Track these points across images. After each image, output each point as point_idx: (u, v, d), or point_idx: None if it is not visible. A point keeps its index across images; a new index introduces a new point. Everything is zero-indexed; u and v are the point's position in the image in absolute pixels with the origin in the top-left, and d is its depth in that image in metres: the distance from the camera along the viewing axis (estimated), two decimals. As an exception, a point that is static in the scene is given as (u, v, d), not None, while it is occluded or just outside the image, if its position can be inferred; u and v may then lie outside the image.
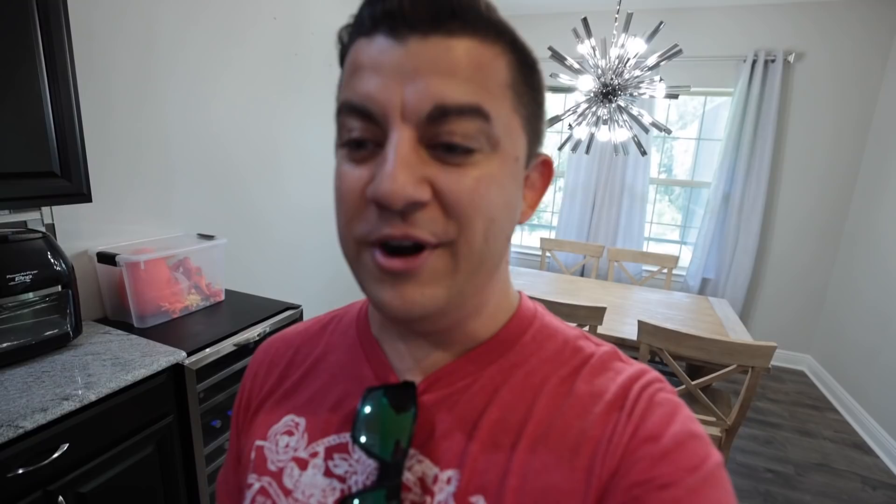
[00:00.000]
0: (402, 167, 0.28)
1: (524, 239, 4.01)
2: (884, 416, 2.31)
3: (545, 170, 0.38)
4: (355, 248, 0.32)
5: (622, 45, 1.93)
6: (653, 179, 3.47)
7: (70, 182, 1.15)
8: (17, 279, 1.07)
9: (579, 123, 2.20)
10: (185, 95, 1.73)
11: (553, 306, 1.69)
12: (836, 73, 2.86)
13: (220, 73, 1.87)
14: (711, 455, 0.31)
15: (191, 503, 1.37)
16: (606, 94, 1.99)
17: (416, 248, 0.30)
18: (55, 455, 0.95)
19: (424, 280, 0.30)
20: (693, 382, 1.57)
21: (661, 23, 1.83)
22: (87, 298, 1.45)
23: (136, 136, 1.58)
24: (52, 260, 1.15)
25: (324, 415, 0.39)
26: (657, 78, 1.98)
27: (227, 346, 1.40)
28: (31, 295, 1.12)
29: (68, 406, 0.97)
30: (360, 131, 0.30)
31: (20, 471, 0.90)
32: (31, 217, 1.29)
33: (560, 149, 2.42)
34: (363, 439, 0.34)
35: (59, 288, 1.16)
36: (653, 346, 1.60)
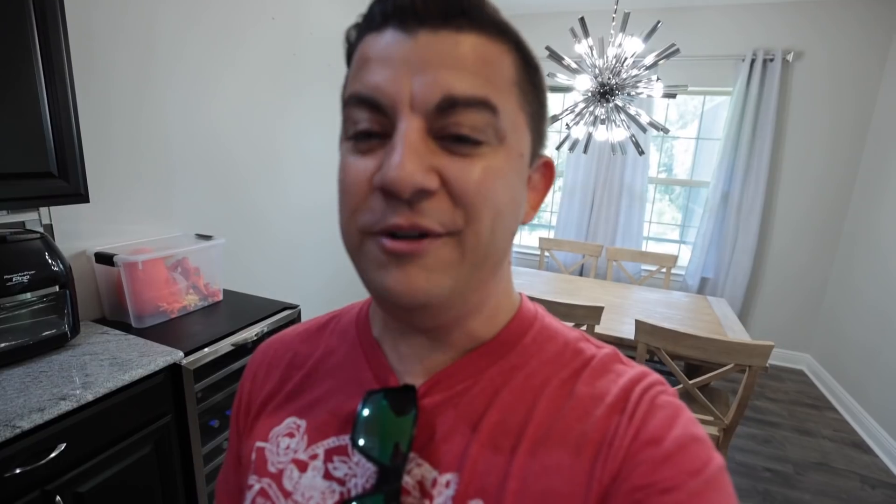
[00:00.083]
0: (410, 154, 0.28)
1: (523, 238, 4.01)
2: (883, 416, 2.31)
3: (546, 171, 0.38)
4: (358, 238, 0.31)
5: (619, 45, 1.93)
6: (651, 179, 3.47)
7: (67, 182, 1.15)
8: (14, 279, 1.07)
9: (577, 123, 2.20)
10: (183, 95, 1.73)
11: (551, 306, 1.70)
12: (834, 72, 2.86)
13: (220, 74, 1.87)
14: (713, 458, 0.30)
15: (189, 502, 1.37)
16: (604, 93, 1.99)
17: (423, 236, 0.29)
18: (53, 455, 0.96)
19: (430, 266, 0.30)
20: (690, 382, 1.57)
21: (658, 22, 1.83)
22: (85, 299, 1.46)
23: (134, 136, 1.58)
24: (49, 260, 1.15)
25: (324, 417, 0.39)
26: (654, 77, 1.98)
27: (224, 345, 1.41)
28: (28, 295, 1.12)
29: (65, 406, 0.97)
30: (368, 122, 0.30)
31: (17, 470, 0.90)
32: (29, 217, 1.30)
33: (558, 148, 2.42)
34: (362, 442, 0.34)
35: (57, 288, 1.17)
36: (650, 345, 1.60)
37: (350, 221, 0.31)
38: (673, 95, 1.95)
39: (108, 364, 1.16)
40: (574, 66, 2.02)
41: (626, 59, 1.94)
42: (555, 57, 1.96)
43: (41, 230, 1.27)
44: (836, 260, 3.03)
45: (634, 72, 1.99)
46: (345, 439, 0.37)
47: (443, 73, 0.28)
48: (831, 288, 3.05)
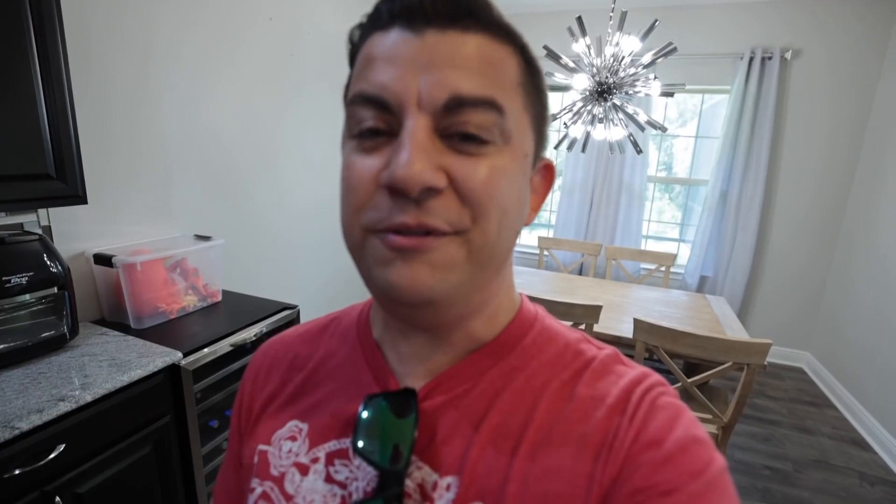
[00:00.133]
0: (419, 152, 0.28)
1: (522, 238, 4.01)
2: (882, 413, 2.31)
3: (547, 174, 0.39)
4: (362, 236, 0.31)
5: (617, 44, 1.93)
6: (650, 177, 3.47)
7: (65, 184, 1.15)
8: (13, 281, 1.08)
9: (575, 122, 2.20)
10: (182, 96, 1.74)
11: (550, 305, 1.70)
12: (832, 69, 2.86)
13: (218, 74, 1.88)
14: (715, 460, 0.30)
15: (188, 503, 1.38)
16: (601, 92, 2.00)
17: (428, 233, 0.29)
18: (52, 455, 0.96)
19: (435, 262, 0.29)
20: (689, 380, 1.58)
21: (655, 21, 1.83)
22: (84, 300, 1.46)
23: (132, 137, 1.58)
24: (48, 262, 1.15)
25: (325, 420, 0.39)
26: (651, 76, 1.98)
27: (223, 346, 1.41)
28: (27, 297, 1.12)
29: (64, 407, 0.98)
30: (373, 121, 0.30)
31: (17, 471, 0.91)
32: (27, 219, 1.30)
33: (556, 147, 2.42)
34: (362, 445, 0.34)
35: (56, 290, 1.17)
36: (648, 343, 1.60)
37: (353, 219, 0.31)
38: (671, 94, 1.95)
39: (107, 365, 1.16)
40: (572, 65, 2.02)
41: (623, 57, 1.94)
42: (552, 56, 1.96)
43: (39, 232, 1.27)
44: (835, 258, 3.03)
45: (632, 70, 1.99)
46: (346, 442, 0.37)
47: (450, 73, 0.28)
48: (830, 286, 3.05)
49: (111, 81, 1.49)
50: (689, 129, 3.54)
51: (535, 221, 3.96)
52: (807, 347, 3.22)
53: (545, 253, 3.15)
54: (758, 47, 2.90)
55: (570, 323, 1.69)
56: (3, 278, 1.06)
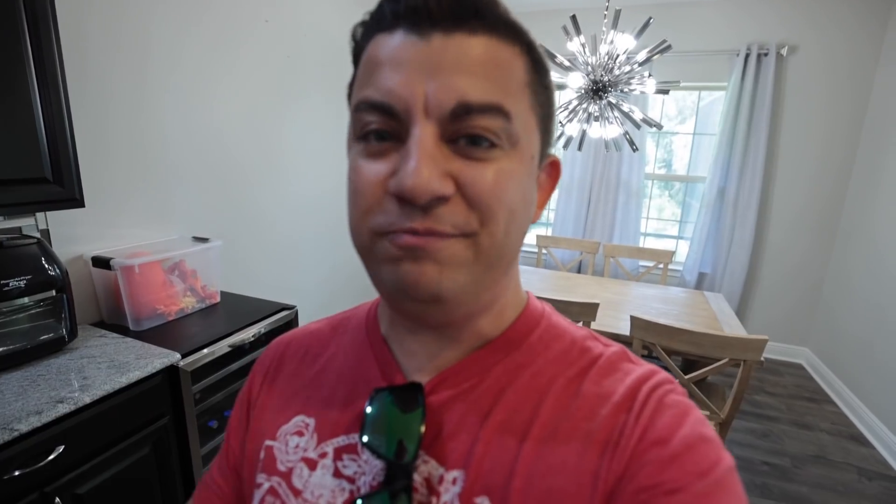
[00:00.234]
0: (426, 161, 0.28)
1: (521, 236, 4.01)
2: (880, 409, 2.31)
3: (552, 171, 0.39)
4: (370, 238, 0.31)
5: (611, 42, 1.94)
6: (648, 175, 3.47)
7: (62, 188, 1.16)
8: (11, 284, 1.08)
9: (570, 120, 2.20)
10: (179, 99, 1.74)
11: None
12: (829, 65, 2.86)
13: (215, 77, 1.88)
14: (723, 459, 0.30)
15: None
16: (597, 90, 2.00)
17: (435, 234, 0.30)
18: (51, 457, 0.97)
19: (443, 261, 0.30)
20: (686, 377, 1.58)
21: (649, 18, 1.83)
22: (83, 302, 1.47)
23: (130, 140, 1.59)
24: (46, 265, 1.16)
25: (333, 415, 0.39)
26: (646, 74, 1.99)
27: (222, 347, 1.42)
28: (26, 300, 1.13)
29: (63, 409, 0.98)
30: (380, 125, 0.30)
31: (16, 472, 0.92)
32: (25, 223, 1.31)
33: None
34: (368, 440, 0.34)
35: (54, 292, 1.18)
36: (645, 340, 1.61)
37: (362, 222, 0.31)
38: (666, 91, 1.95)
39: (105, 367, 1.17)
40: (567, 63, 2.02)
41: (618, 55, 1.95)
42: (547, 55, 1.96)
43: (38, 235, 1.28)
44: (833, 253, 3.03)
45: (627, 68, 1.99)
46: (354, 437, 0.37)
47: (457, 79, 0.28)
48: (829, 281, 3.05)
49: (108, 85, 1.50)
50: (689, 125, 3.54)
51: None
52: (805, 343, 3.22)
53: (543, 251, 3.16)
54: (753, 44, 2.90)
55: (567, 321, 1.69)
56: (2, 282, 1.07)
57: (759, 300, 3.27)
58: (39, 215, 1.34)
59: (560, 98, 3.44)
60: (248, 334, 1.51)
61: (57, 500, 0.98)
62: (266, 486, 0.39)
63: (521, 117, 0.31)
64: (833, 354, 2.88)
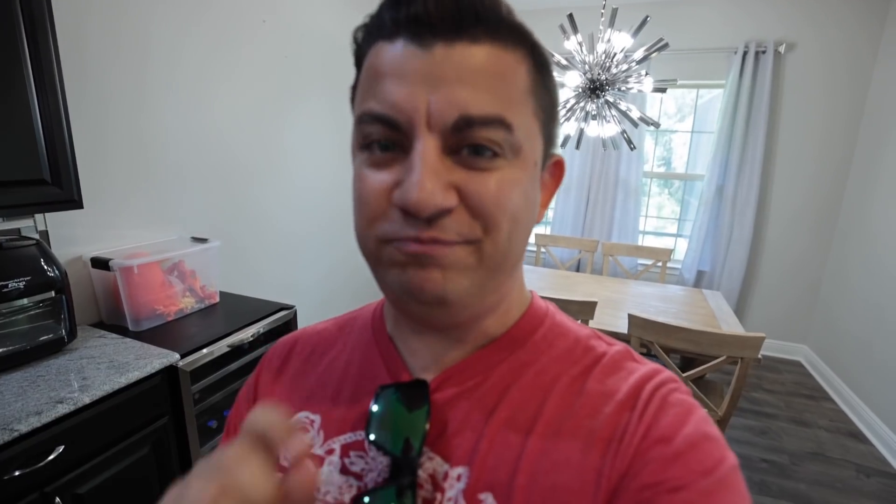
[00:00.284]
0: (429, 175, 0.28)
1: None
2: (879, 405, 2.32)
3: (556, 170, 0.39)
4: (376, 245, 0.32)
5: (608, 40, 1.94)
6: (646, 173, 3.47)
7: (61, 189, 1.16)
8: (10, 286, 1.09)
9: (567, 119, 2.21)
10: (177, 100, 1.75)
11: (544, 302, 1.71)
12: (827, 63, 2.86)
13: (212, 77, 1.88)
14: (726, 458, 0.30)
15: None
16: (594, 89, 2.00)
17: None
18: (51, 457, 0.97)
19: (448, 266, 0.30)
20: (684, 374, 1.59)
21: (646, 17, 1.84)
22: (83, 303, 1.47)
23: (128, 141, 1.59)
24: (45, 266, 1.16)
25: (339, 412, 0.40)
26: (643, 72, 1.99)
27: (221, 347, 1.42)
28: (25, 301, 1.14)
29: (63, 409, 0.99)
30: (383, 136, 0.30)
31: (17, 473, 0.92)
32: (24, 224, 1.31)
33: (551, 145, 2.43)
34: (374, 436, 0.35)
35: (53, 294, 1.18)
36: (643, 339, 1.61)
37: (368, 230, 0.32)
38: (663, 90, 1.95)
39: (105, 367, 1.17)
40: (564, 62, 2.02)
41: (615, 54, 1.95)
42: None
43: (37, 236, 1.29)
44: (831, 251, 3.04)
45: (624, 67, 1.99)
46: (361, 434, 0.37)
47: (459, 91, 0.28)
48: (827, 279, 3.06)
49: (107, 86, 1.50)
50: (688, 123, 3.54)
51: (533, 219, 3.98)
52: (804, 341, 3.23)
53: (542, 250, 3.16)
54: (751, 41, 2.90)
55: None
56: (1, 283, 1.07)
57: (757, 298, 3.28)
58: (38, 217, 1.34)
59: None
60: (247, 334, 1.51)
61: (57, 499, 0.99)
62: None
63: (523, 127, 0.31)
64: (832, 352, 2.89)
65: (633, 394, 0.34)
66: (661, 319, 1.57)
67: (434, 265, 0.30)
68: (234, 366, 1.49)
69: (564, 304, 1.71)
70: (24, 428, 0.92)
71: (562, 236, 3.16)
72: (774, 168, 3.08)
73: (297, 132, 2.43)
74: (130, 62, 1.57)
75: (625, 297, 2.33)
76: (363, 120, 0.31)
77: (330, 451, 0.38)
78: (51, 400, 1.00)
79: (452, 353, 0.37)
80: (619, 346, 0.38)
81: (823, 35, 2.84)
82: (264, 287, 2.27)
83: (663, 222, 3.74)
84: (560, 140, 2.33)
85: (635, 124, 2.14)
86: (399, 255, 0.31)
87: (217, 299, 1.75)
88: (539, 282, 2.56)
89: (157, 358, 1.23)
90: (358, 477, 0.36)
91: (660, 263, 2.83)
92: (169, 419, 1.28)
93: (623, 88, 2.03)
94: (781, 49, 2.88)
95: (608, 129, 2.19)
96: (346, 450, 0.38)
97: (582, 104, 2.14)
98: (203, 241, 1.73)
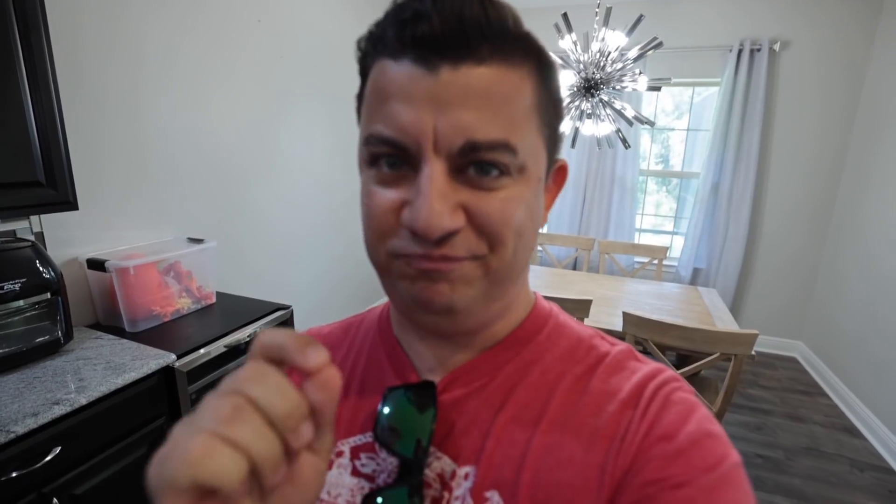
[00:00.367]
0: (437, 200, 0.29)
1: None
2: (873, 400, 2.34)
3: (559, 175, 0.40)
4: (387, 259, 0.33)
5: (603, 39, 1.95)
6: (642, 171, 3.49)
7: (55, 191, 1.17)
8: (6, 287, 1.09)
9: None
10: (173, 101, 1.75)
11: (540, 300, 1.72)
12: (821, 60, 2.87)
13: (208, 78, 1.88)
14: (729, 455, 0.30)
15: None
16: (588, 87, 2.01)
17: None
18: (48, 458, 0.98)
19: (455, 280, 0.31)
20: (679, 371, 1.60)
21: (640, 16, 1.84)
22: (79, 304, 1.47)
23: (124, 142, 1.59)
24: (40, 268, 1.17)
25: (347, 414, 0.40)
26: (637, 71, 2.00)
27: (218, 347, 1.43)
28: (21, 303, 1.14)
29: (59, 410, 0.99)
30: (391, 156, 0.31)
31: (14, 474, 0.93)
32: (20, 226, 1.31)
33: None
34: (384, 437, 0.35)
35: (49, 295, 1.18)
36: (638, 336, 1.62)
37: (378, 244, 0.33)
38: (657, 88, 1.96)
39: (101, 368, 1.18)
40: (559, 61, 2.03)
41: (609, 53, 1.96)
42: (540, 53, 1.97)
43: (32, 238, 1.29)
44: (826, 248, 3.06)
45: (619, 65, 2.00)
46: (370, 436, 0.38)
47: (465, 116, 0.29)
48: (822, 275, 3.08)
49: (103, 87, 1.50)
50: (686, 121, 3.55)
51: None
52: (799, 337, 3.25)
53: (539, 248, 3.17)
54: (746, 39, 2.91)
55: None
56: (-3, 285, 1.08)
57: (753, 294, 3.29)
58: (34, 218, 1.34)
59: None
60: (243, 334, 1.52)
61: (55, 500, 0.99)
62: None
63: (528, 147, 0.31)
64: (827, 348, 2.91)
65: (635, 392, 0.34)
66: (655, 317, 1.58)
67: (443, 280, 0.31)
68: (230, 366, 1.49)
69: (560, 303, 1.71)
70: (20, 429, 0.92)
71: (558, 234, 3.17)
72: (769, 165, 3.09)
73: (292, 132, 2.43)
74: (126, 63, 1.57)
75: (621, 295, 2.34)
76: (370, 141, 0.31)
77: (339, 454, 0.39)
78: (47, 401, 1.01)
79: (458, 356, 0.38)
80: (622, 345, 0.39)
81: (818, 33, 2.85)
82: (261, 287, 2.27)
83: (661, 220, 3.75)
84: (555, 139, 2.34)
85: (630, 123, 2.14)
86: (409, 269, 0.32)
87: (213, 300, 1.75)
88: (535, 280, 2.57)
89: (153, 359, 1.24)
90: (370, 479, 0.37)
91: (656, 261, 2.84)
92: (166, 419, 1.28)
93: (618, 87, 2.04)
94: (776, 47, 2.89)
95: (603, 127, 2.19)
96: (356, 452, 0.38)
97: (577, 103, 2.14)
98: (199, 241, 1.73)
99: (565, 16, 1.91)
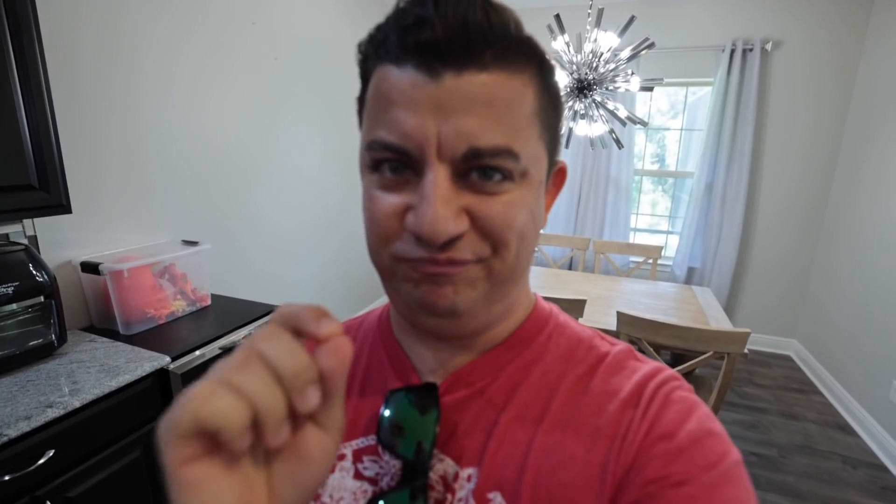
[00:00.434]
0: (442, 205, 0.29)
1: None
2: (866, 398, 2.35)
3: (558, 177, 0.40)
4: (390, 262, 0.33)
5: (595, 40, 1.96)
6: (637, 171, 3.50)
7: (48, 194, 1.16)
8: (-1, 291, 1.09)
9: (558, 119, 2.22)
10: (167, 104, 1.74)
11: (534, 300, 1.72)
12: (813, 59, 2.89)
13: (203, 79, 1.88)
14: (730, 453, 0.31)
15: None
16: (581, 88, 2.02)
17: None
18: (41, 461, 0.98)
19: (459, 282, 0.32)
20: (672, 370, 1.61)
21: (632, 17, 1.85)
22: (73, 307, 1.47)
23: (118, 145, 1.59)
24: (33, 271, 1.16)
25: (349, 417, 0.39)
26: (629, 71, 2.01)
27: (213, 349, 1.43)
28: (14, 306, 1.14)
29: (52, 413, 0.99)
30: (393, 161, 0.31)
31: (7, 477, 0.92)
32: (13, 229, 1.31)
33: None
34: (387, 440, 0.35)
35: (42, 298, 1.18)
36: (632, 335, 1.63)
37: (381, 248, 0.33)
38: (650, 88, 1.97)
39: (95, 371, 1.18)
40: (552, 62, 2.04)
41: (602, 53, 1.97)
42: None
43: (25, 242, 1.28)
44: (819, 247, 3.08)
45: (612, 66, 2.01)
46: (373, 439, 0.38)
47: (468, 122, 0.29)
48: (815, 274, 3.09)
49: (96, 90, 1.50)
50: (681, 120, 3.57)
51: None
52: (794, 336, 3.26)
53: (535, 248, 3.18)
54: (738, 39, 2.93)
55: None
56: (-11, 288, 1.08)
57: (747, 293, 3.31)
58: (27, 222, 1.34)
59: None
60: (238, 336, 1.52)
61: (48, 503, 0.99)
62: None
63: (529, 153, 0.32)
64: (821, 346, 2.92)
65: (636, 392, 0.35)
66: (649, 316, 1.59)
67: (448, 283, 0.32)
68: (225, 368, 1.49)
69: (555, 303, 1.73)
70: (13, 433, 0.92)
71: (553, 234, 3.18)
72: (763, 165, 3.11)
73: (287, 133, 2.44)
74: (120, 65, 1.57)
75: (616, 295, 2.35)
76: (373, 147, 0.31)
77: (341, 457, 0.38)
78: (40, 404, 1.00)
79: (459, 357, 0.38)
80: (622, 345, 0.40)
81: (809, 33, 2.87)
82: (256, 288, 2.27)
83: (658, 219, 3.77)
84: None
85: (623, 123, 2.15)
86: (414, 273, 0.32)
87: (209, 302, 1.75)
88: (531, 280, 2.54)
89: (147, 361, 1.24)
90: (372, 482, 0.37)
91: (651, 260, 2.85)
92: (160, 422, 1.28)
93: (611, 88, 2.05)
94: (768, 47, 2.91)
95: (596, 128, 2.21)
96: (358, 455, 0.38)
97: (570, 103, 2.15)
98: (194, 244, 1.73)
99: (558, 17, 1.92)
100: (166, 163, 1.78)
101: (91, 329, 1.48)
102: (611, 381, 0.36)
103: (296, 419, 0.24)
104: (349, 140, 2.92)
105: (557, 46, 2.02)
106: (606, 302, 2.23)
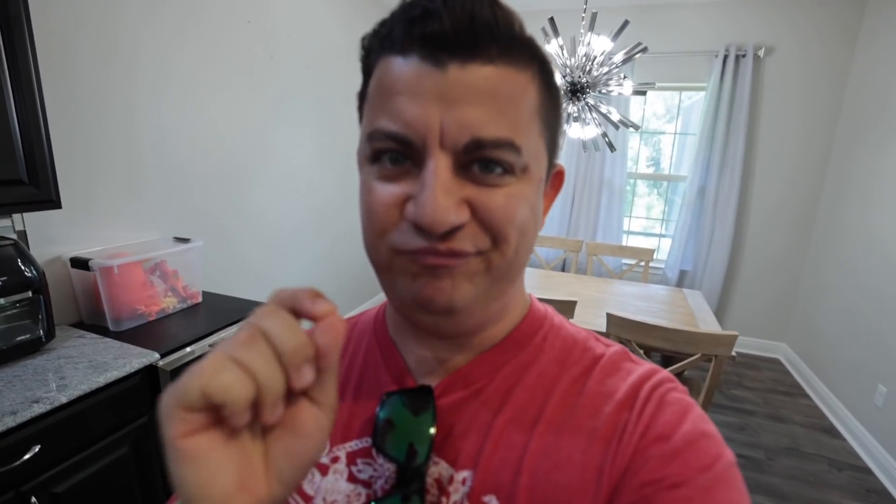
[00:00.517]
0: (442, 194, 0.29)
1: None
2: (851, 401, 2.38)
3: (556, 180, 0.40)
4: (388, 255, 0.32)
5: (589, 44, 1.97)
6: (631, 174, 3.52)
7: (38, 189, 1.16)
8: (-14, 286, 1.09)
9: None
10: (159, 99, 1.74)
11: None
12: (804, 66, 2.93)
13: (196, 76, 1.88)
14: (724, 455, 0.31)
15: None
16: (575, 91, 2.03)
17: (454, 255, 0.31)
18: (27, 456, 0.97)
19: (457, 276, 0.31)
20: (668, 372, 1.62)
21: (625, 21, 1.87)
22: (62, 303, 1.47)
23: (109, 141, 1.59)
24: (22, 266, 1.16)
25: (343, 419, 0.39)
26: (622, 75, 2.02)
27: (203, 346, 1.43)
28: (1, 301, 1.13)
29: (39, 409, 0.99)
30: (394, 151, 0.31)
31: (-8, 472, 0.92)
32: (2, 224, 1.30)
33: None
34: (381, 443, 0.35)
35: (30, 293, 1.18)
36: (621, 337, 1.65)
37: (379, 241, 0.32)
38: (643, 92, 1.99)
39: (83, 367, 1.17)
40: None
41: (595, 57, 1.98)
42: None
43: (14, 237, 1.28)
44: (809, 252, 3.11)
45: (605, 70, 2.03)
46: (367, 441, 0.38)
47: (471, 112, 0.29)
48: (805, 278, 3.13)
49: (87, 86, 1.50)
50: (676, 124, 3.59)
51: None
52: (783, 339, 3.30)
53: (533, 247, 3.19)
54: (731, 45, 2.96)
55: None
56: (-23, 283, 1.07)
57: (738, 297, 3.34)
58: (16, 217, 1.34)
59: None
60: (228, 333, 1.52)
61: (33, 499, 0.99)
62: None
63: (531, 148, 0.32)
64: (809, 350, 2.95)
65: (631, 393, 0.34)
66: (639, 318, 1.60)
67: (447, 276, 0.31)
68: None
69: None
70: (-2, 428, 0.92)
71: (547, 236, 3.20)
72: (754, 169, 3.14)
73: (281, 130, 2.44)
74: (112, 61, 1.56)
75: (607, 297, 2.37)
76: (375, 137, 0.31)
77: (335, 459, 0.38)
78: (27, 399, 1.00)
79: (456, 358, 0.38)
80: (616, 346, 0.40)
81: (801, 39, 2.90)
82: (249, 285, 2.27)
83: (652, 223, 3.79)
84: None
85: (616, 126, 2.17)
86: (413, 266, 0.32)
87: (200, 299, 1.75)
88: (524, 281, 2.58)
89: (136, 358, 1.24)
90: (366, 485, 0.36)
91: (643, 263, 2.87)
92: (149, 419, 1.28)
93: (604, 91, 2.06)
94: (761, 53, 2.94)
95: (589, 131, 2.22)
96: (352, 457, 0.38)
97: (564, 106, 2.17)
98: (185, 240, 1.73)
99: (552, 20, 1.93)
100: (161, 160, 1.77)
101: (80, 325, 1.48)
102: (606, 382, 0.36)
103: (291, 395, 0.25)
104: (342, 137, 2.92)
105: (551, 49, 2.03)
106: (598, 304, 2.24)
